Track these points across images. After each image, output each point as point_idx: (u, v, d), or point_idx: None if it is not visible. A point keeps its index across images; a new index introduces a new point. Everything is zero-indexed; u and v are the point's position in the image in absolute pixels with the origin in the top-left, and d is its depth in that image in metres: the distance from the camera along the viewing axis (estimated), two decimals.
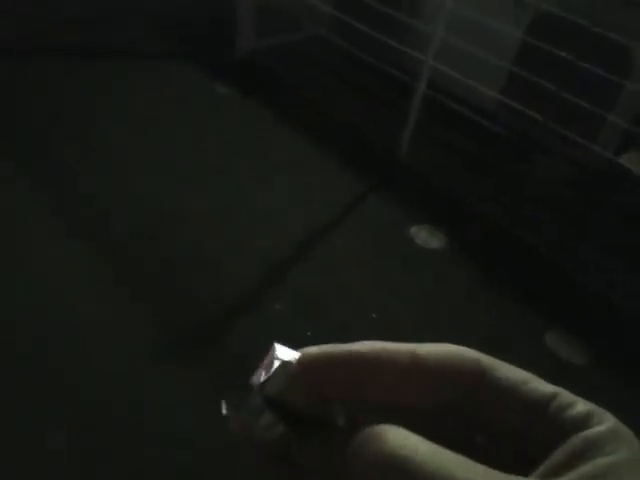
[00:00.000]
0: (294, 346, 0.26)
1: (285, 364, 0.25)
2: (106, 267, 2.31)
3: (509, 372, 0.24)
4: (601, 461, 0.20)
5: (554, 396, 0.23)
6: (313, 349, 0.25)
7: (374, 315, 2.25)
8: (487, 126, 2.84)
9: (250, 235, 2.55)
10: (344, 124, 3.29)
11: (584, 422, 0.22)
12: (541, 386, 0.24)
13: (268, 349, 0.26)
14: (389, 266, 2.52)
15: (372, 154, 3.17)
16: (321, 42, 3.53)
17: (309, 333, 2.14)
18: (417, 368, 0.24)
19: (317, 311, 2.24)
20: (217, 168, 2.90)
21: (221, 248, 2.46)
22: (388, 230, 2.71)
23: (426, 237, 2.64)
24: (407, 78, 3.01)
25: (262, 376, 0.25)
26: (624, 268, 2.55)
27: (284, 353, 0.25)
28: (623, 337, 2.35)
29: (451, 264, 2.58)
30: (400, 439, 0.21)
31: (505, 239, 2.70)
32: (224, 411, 0.26)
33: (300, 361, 0.25)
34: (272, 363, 0.25)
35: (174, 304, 2.21)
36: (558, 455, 0.21)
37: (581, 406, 0.22)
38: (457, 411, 0.24)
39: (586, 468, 0.20)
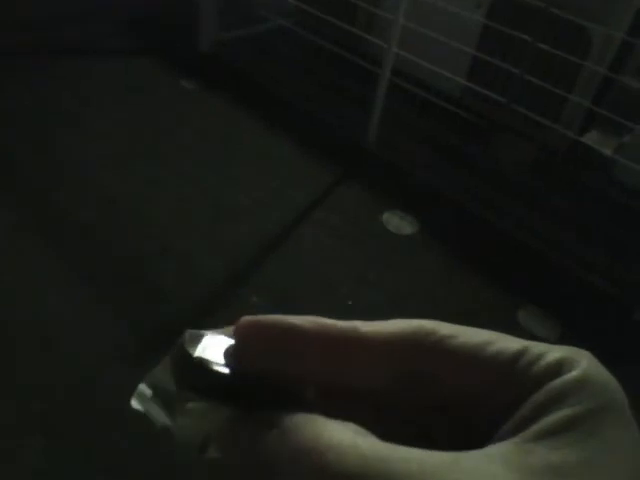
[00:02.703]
0: None
1: (215, 332, 0.23)
2: (73, 261, 2.29)
3: (469, 336, 0.22)
4: (557, 415, 0.19)
5: (522, 352, 0.21)
6: (249, 317, 0.23)
7: (350, 302, 2.28)
8: (453, 111, 2.87)
9: (219, 228, 2.55)
10: (312, 114, 3.29)
11: (554, 373, 0.20)
12: (507, 344, 0.21)
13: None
14: (362, 253, 2.55)
15: (340, 143, 3.18)
16: (285, 33, 3.52)
17: None
18: (359, 344, 0.22)
19: (293, 301, 2.25)
20: (183, 163, 2.88)
21: (190, 242, 2.45)
22: (360, 218, 2.73)
23: (398, 223, 2.67)
24: (372, 66, 3.02)
25: (191, 346, 0.23)
26: (586, 243, 2.63)
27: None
28: (595, 313, 2.42)
29: (423, 248, 2.62)
30: (329, 430, 0.19)
31: (476, 223, 2.74)
32: (135, 404, 0.23)
33: (236, 326, 0.23)
34: (200, 335, 0.23)
35: (148, 296, 2.19)
36: (520, 413, 0.20)
37: (552, 355, 0.20)
38: (414, 389, 0.22)
39: (541, 424, 0.19)
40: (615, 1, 2.59)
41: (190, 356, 0.22)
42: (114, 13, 3.90)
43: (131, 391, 0.25)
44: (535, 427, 0.19)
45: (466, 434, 0.22)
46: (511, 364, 0.21)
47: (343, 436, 0.19)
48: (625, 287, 2.43)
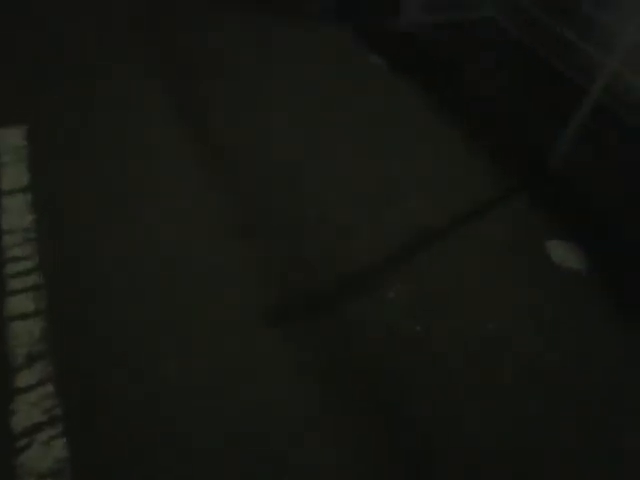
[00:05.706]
0: None
1: None
2: (234, 216, 2.34)
3: None
4: None
5: None
6: None
7: (490, 326, 2.10)
8: None
9: (379, 210, 2.46)
10: (498, 116, 3.07)
11: None
12: None
13: None
14: (514, 276, 2.34)
15: (523, 154, 2.94)
16: (491, 26, 3.30)
17: (418, 328, 2.04)
18: None
19: (431, 307, 2.12)
20: (352, 136, 2.82)
21: (349, 218, 2.40)
22: (523, 239, 2.51)
23: (564, 254, 2.41)
24: (581, 79, 2.73)
25: None
26: None
27: None
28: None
29: (588, 288, 2.34)
30: None
31: None
32: None
33: None
34: None
35: (292, 265, 2.19)
36: None
37: None
38: None
39: None
40: None
41: None
42: None
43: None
44: None
45: None
46: None
47: None
48: None
